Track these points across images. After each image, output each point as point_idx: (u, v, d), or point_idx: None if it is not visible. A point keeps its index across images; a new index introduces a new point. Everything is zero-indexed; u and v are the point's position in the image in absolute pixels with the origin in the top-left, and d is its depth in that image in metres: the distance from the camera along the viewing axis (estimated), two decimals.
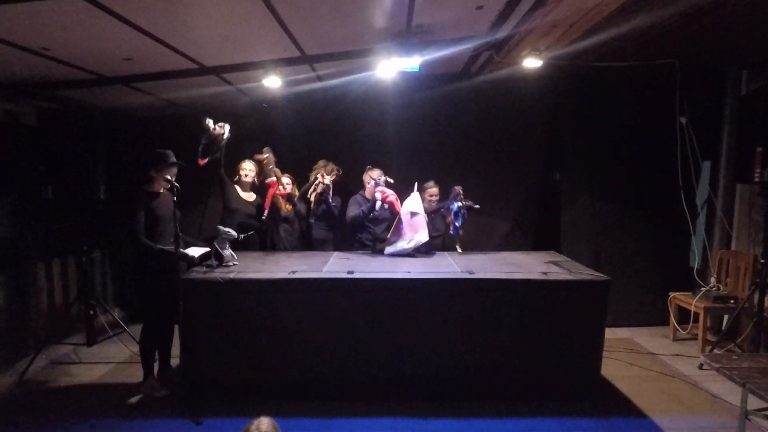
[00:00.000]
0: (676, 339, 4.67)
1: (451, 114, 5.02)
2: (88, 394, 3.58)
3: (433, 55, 3.64)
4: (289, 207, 4.47)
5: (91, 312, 4.40)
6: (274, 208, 4.38)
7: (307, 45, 3.55)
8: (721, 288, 4.44)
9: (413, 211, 3.99)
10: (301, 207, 4.52)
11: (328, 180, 4.33)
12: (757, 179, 4.01)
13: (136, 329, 4.36)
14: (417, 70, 3.61)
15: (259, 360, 3.37)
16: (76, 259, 4.57)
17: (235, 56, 3.71)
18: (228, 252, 3.64)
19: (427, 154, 4.98)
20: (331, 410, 3.25)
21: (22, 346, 4.14)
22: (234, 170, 4.32)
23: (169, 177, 3.39)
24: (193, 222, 4.95)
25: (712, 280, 4.51)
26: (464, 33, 3.57)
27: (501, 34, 3.55)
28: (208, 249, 3.57)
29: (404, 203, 4.06)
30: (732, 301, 4.27)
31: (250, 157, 4.37)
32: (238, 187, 4.31)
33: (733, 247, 4.69)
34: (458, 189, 4.17)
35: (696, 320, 4.45)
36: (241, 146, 4.43)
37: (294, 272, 3.43)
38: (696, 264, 4.82)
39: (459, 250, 4.22)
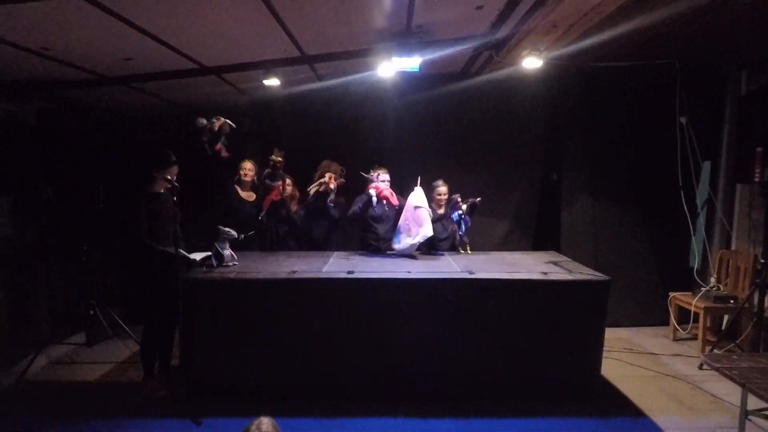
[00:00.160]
0: (676, 339, 4.67)
1: (451, 114, 5.02)
2: (88, 394, 3.58)
3: (433, 55, 3.64)
4: (292, 207, 4.47)
5: (91, 312, 4.40)
6: (275, 208, 4.38)
7: (307, 45, 3.55)
8: (721, 288, 4.45)
9: (417, 205, 3.99)
10: (296, 216, 4.50)
11: (333, 185, 4.29)
12: (757, 179, 4.01)
13: (136, 329, 4.38)
14: (417, 70, 3.61)
15: (259, 360, 3.37)
16: (76, 259, 4.57)
17: (235, 56, 3.71)
18: (228, 252, 3.64)
19: (427, 154, 4.97)
20: (331, 410, 3.25)
21: (22, 346, 4.14)
22: (234, 170, 4.32)
23: (169, 177, 3.39)
24: (193, 222, 4.95)
25: (712, 280, 4.51)
26: (464, 33, 3.57)
27: (501, 34, 3.55)
28: (209, 253, 3.57)
29: (408, 198, 4.07)
30: (732, 301, 4.27)
31: (250, 157, 4.37)
32: (238, 187, 4.31)
33: (733, 247, 4.69)
34: (456, 198, 4.20)
35: (696, 320, 4.45)
36: (241, 146, 4.43)
37: (294, 272, 3.43)
38: (696, 264, 4.82)
39: (468, 250, 4.28)
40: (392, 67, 3.62)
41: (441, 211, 4.36)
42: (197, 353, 3.37)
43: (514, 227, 5.19)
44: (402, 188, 4.38)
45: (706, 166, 4.88)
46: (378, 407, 3.27)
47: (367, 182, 4.24)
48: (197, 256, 3.48)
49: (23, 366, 3.89)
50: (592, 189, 5.02)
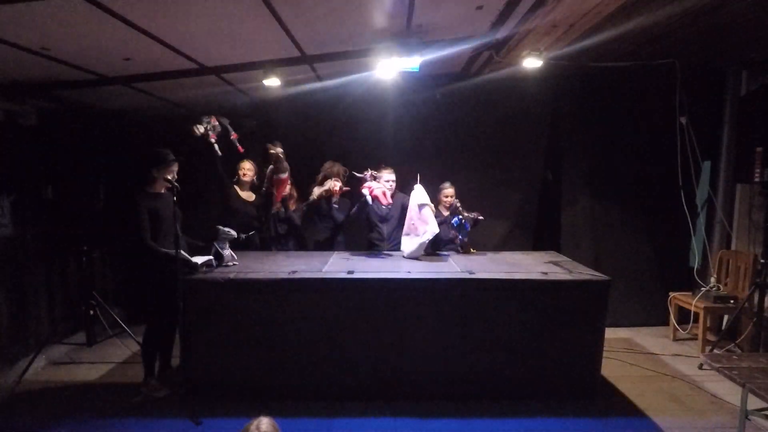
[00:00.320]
0: (676, 339, 4.67)
1: (451, 114, 5.02)
2: (88, 394, 3.59)
3: (433, 55, 3.64)
4: (293, 205, 4.48)
5: (91, 312, 4.40)
6: (273, 208, 4.39)
7: (307, 45, 3.54)
8: (721, 288, 4.45)
9: (420, 204, 3.99)
10: (295, 215, 4.50)
11: (337, 186, 4.29)
12: (757, 179, 4.01)
13: (136, 329, 4.39)
14: (417, 70, 3.60)
15: (259, 360, 3.37)
16: (76, 259, 4.57)
17: (235, 56, 3.71)
18: (228, 252, 3.64)
19: (427, 154, 4.98)
20: (331, 410, 3.25)
21: (22, 346, 4.14)
22: (233, 170, 4.32)
23: (169, 177, 3.39)
24: (193, 222, 4.95)
25: (712, 280, 4.51)
26: (464, 33, 3.57)
27: (501, 34, 3.54)
28: (211, 257, 3.56)
29: (411, 198, 4.07)
30: (732, 301, 4.27)
31: (249, 157, 4.37)
32: (237, 187, 4.31)
33: (733, 247, 4.69)
34: (456, 203, 4.22)
35: (696, 320, 4.45)
36: (242, 146, 4.42)
37: (294, 272, 3.43)
38: (696, 264, 4.82)
39: (472, 250, 4.31)
40: (392, 67, 3.62)
41: (447, 213, 4.37)
42: (197, 353, 3.37)
43: (514, 227, 5.19)
44: (402, 188, 4.37)
45: (706, 166, 4.88)
46: (378, 407, 3.28)
47: (360, 182, 4.25)
48: (199, 259, 3.47)
49: (23, 366, 3.89)
50: (592, 189, 5.02)
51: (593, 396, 3.40)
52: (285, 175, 4.29)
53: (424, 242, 3.96)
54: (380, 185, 4.13)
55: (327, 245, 4.50)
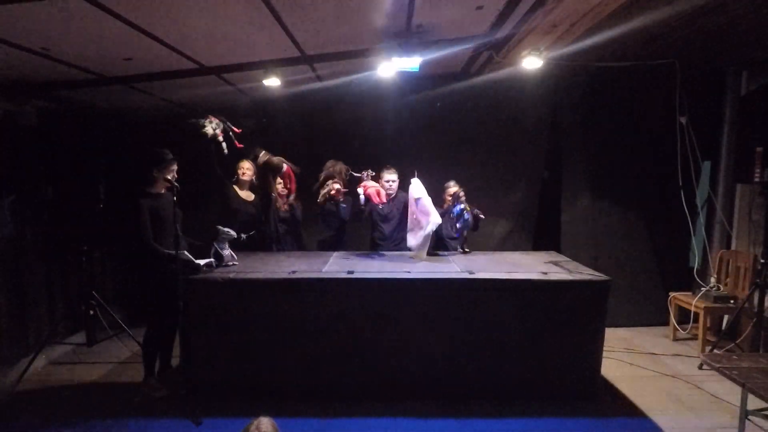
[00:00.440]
0: (676, 339, 4.67)
1: (451, 114, 5.02)
2: (88, 394, 3.59)
3: (433, 55, 3.64)
4: (286, 207, 4.48)
5: (91, 312, 4.40)
6: (273, 207, 4.40)
7: (307, 45, 3.54)
8: (721, 288, 4.45)
9: (417, 197, 3.99)
10: (298, 211, 4.51)
11: (338, 186, 4.29)
12: (757, 179, 4.01)
13: (137, 329, 4.38)
14: (417, 70, 3.60)
15: (259, 360, 3.37)
16: (76, 259, 4.57)
17: (235, 56, 3.71)
18: (228, 252, 3.64)
19: (427, 154, 4.98)
20: (331, 410, 3.25)
21: (22, 346, 4.14)
22: (232, 170, 4.31)
23: (169, 177, 3.40)
24: (193, 222, 4.95)
25: (712, 280, 4.51)
26: (464, 33, 3.57)
27: (501, 34, 3.54)
28: (213, 260, 3.56)
29: (409, 192, 4.08)
30: (732, 301, 4.27)
31: (248, 157, 4.37)
32: (236, 187, 4.31)
33: (733, 247, 4.69)
34: (460, 192, 4.16)
35: (696, 320, 4.45)
36: (242, 146, 4.42)
37: (294, 272, 3.43)
38: (696, 264, 4.82)
39: (466, 249, 4.24)
40: (392, 67, 3.62)
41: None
42: (197, 353, 3.37)
43: (514, 227, 5.19)
44: (403, 188, 4.38)
45: (706, 166, 4.88)
46: (378, 407, 3.28)
47: (359, 182, 4.26)
48: (201, 261, 3.47)
49: (23, 366, 3.89)
50: (592, 189, 5.02)
51: (593, 396, 3.40)
52: (285, 168, 4.30)
53: (428, 234, 3.93)
54: (374, 184, 4.16)
55: (333, 245, 4.50)
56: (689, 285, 4.80)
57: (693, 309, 4.40)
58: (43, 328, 4.37)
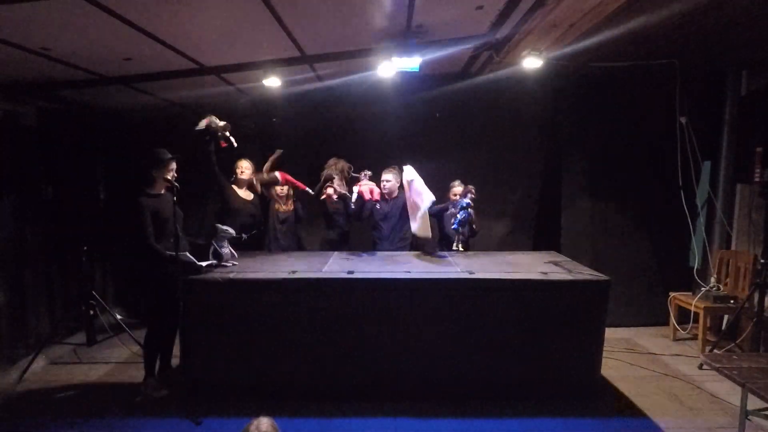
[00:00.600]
0: (676, 339, 4.67)
1: (451, 114, 5.02)
2: (88, 394, 3.59)
3: (433, 55, 3.64)
4: (285, 207, 4.48)
5: (91, 312, 4.40)
6: (272, 208, 4.40)
7: (307, 45, 3.55)
8: (721, 288, 4.45)
9: (410, 179, 4.04)
10: (299, 208, 4.53)
11: (331, 191, 4.31)
12: (757, 179, 4.01)
13: (137, 329, 4.39)
14: (417, 70, 3.61)
15: (259, 360, 3.37)
16: (76, 259, 4.58)
17: (235, 56, 3.71)
18: (227, 250, 3.64)
19: (427, 154, 4.96)
20: (331, 410, 3.25)
21: (22, 346, 4.14)
22: (231, 170, 4.31)
23: (168, 177, 3.39)
24: (193, 222, 4.95)
25: (712, 280, 4.51)
26: (464, 33, 3.57)
27: (501, 34, 3.55)
28: (215, 261, 3.56)
29: (402, 177, 4.16)
30: (732, 301, 4.27)
31: (246, 156, 4.37)
32: (235, 187, 4.31)
33: (733, 247, 4.69)
34: (470, 187, 4.15)
35: (696, 320, 4.45)
36: (242, 146, 4.42)
37: (294, 272, 3.43)
38: (696, 264, 4.82)
39: (460, 248, 4.10)
40: (392, 67, 3.62)
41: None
42: (197, 353, 3.37)
43: (514, 227, 5.19)
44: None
45: (706, 166, 4.87)
46: (378, 407, 3.28)
47: (357, 182, 4.32)
48: (204, 263, 3.47)
49: (23, 366, 3.89)
50: (592, 189, 5.02)
51: (593, 396, 3.40)
52: (280, 177, 4.36)
53: (424, 212, 3.95)
54: (368, 183, 4.21)
55: (337, 244, 4.52)
56: (689, 285, 4.80)
57: (693, 309, 4.40)
58: (43, 328, 4.37)
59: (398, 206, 4.38)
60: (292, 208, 4.53)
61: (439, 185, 4.59)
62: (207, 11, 2.77)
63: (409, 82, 4.63)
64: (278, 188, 4.44)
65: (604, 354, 3.49)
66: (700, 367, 3.98)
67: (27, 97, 4.17)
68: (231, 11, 2.80)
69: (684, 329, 4.62)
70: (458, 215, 4.07)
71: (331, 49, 3.74)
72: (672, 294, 4.71)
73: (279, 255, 4.19)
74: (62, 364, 4.13)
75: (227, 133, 3.88)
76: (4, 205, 4.02)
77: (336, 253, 4.26)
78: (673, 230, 4.91)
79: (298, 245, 4.68)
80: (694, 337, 4.53)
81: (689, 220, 4.71)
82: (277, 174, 4.38)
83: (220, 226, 3.61)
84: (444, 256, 4.14)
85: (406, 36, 3.44)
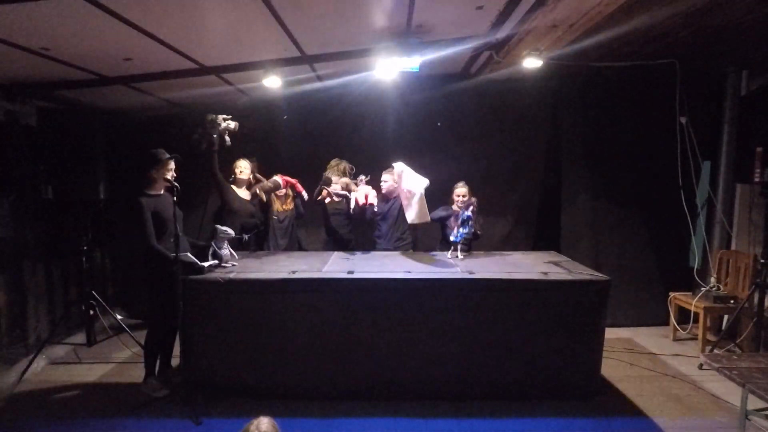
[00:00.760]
0: (676, 339, 4.67)
1: (451, 114, 5.02)
2: (88, 394, 3.59)
3: (433, 55, 3.64)
4: (285, 206, 4.48)
5: (91, 312, 4.40)
6: (271, 208, 4.41)
7: (307, 45, 3.55)
8: (721, 288, 4.45)
9: (399, 172, 4.12)
10: (299, 205, 4.54)
11: (330, 190, 4.33)
12: (757, 179, 4.00)
13: (137, 329, 4.39)
14: (417, 70, 3.61)
15: (259, 360, 3.37)
16: (76, 259, 4.57)
17: (235, 56, 3.71)
18: (226, 251, 3.63)
19: (427, 154, 4.95)
20: (331, 410, 3.25)
21: (22, 346, 4.14)
22: (229, 170, 4.31)
23: (168, 176, 3.39)
24: (194, 222, 4.95)
25: (712, 280, 4.51)
26: (464, 33, 3.57)
27: (501, 34, 3.54)
28: (216, 262, 3.56)
29: (394, 171, 4.22)
30: (732, 301, 4.27)
31: (245, 156, 4.37)
32: (234, 187, 4.31)
33: (733, 247, 4.69)
34: (473, 201, 4.14)
35: (696, 320, 4.45)
36: (242, 146, 4.43)
37: (294, 272, 3.43)
38: (696, 264, 4.82)
39: (459, 255, 4.05)
40: (392, 67, 3.62)
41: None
42: (197, 353, 3.37)
43: (514, 227, 5.19)
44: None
45: (706, 166, 4.87)
46: (378, 407, 3.28)
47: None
48: (206, 264, 3.47)
49: (23, 366, 3.89)
50: (592, 189, 5.02)
51: (593, 396, 3.40)
52: (282, 182, 4.38)
53: (420, 196, 3.96)
54: (364, 188, 4.30)
55: (345, 244, 4.53)
56: (689, 285, 4.80)
57: (693, 309, 4.40)
58: (43, 328, 4.37)
59: (397, 206, 4.40)
60: (291, 206, 4.54)
61: (438, 185, 4.59)
62: (207, 11, 2.77)
63: (409, 82, 4.63)
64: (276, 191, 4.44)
65: (604, 354, 3.49)
66: (700, 367, 3.98)
67: (27, 97, 4.17)
68: (231, 11, 2.80)
69: (684, 329, 4.62)
70: (460, 229, 4.05)
71: (331, 49, 3.74)
72: (672, 294, 4.71)
73: (279, 255, 4.19)
74: (62, 364, 4.13)
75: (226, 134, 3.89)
76: (4, 205, 4.02)
77: (336, 253, 4.26)
78: (673, 230, 4.91)
79: (298, 245, 4.68)
80: (694, 337, 4.53)
81: (689, 220, 4.71)
82: (278, 178, 4.38)
83: (219, 227, 3.61)
84: (444, 256, 4.14)
85: (406, 36, 3.44)
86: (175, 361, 3.65)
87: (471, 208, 4.03)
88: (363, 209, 4.36)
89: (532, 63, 3.90)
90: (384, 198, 4.43)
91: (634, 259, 5.01)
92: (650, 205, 4.98)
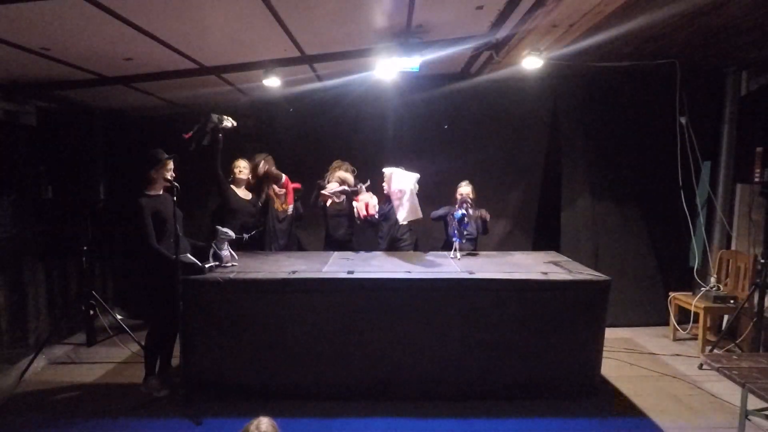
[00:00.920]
0: (676, 339, 4.67)
1: (451, 114, 5.02)
2: (88, 394, 3.58)
3: (433, 55, 3.64)
4: (284, 206, 4.48)
5: (91, 312, 4.40)
6: (271, 207, 4.41)
7: (307, 45, 3.55)
8: (721, 288, 4.45)
9: (390, 172, 4.16)
10: (299, 206, 4.54)
11: (327, 194, 4.32)
12: (757, 179, 4.01)
13: (137, 329, 4.39)
14: (417, 70, 3.61)
15: (259, 360, 3.37)
16: (76, 259, 4.57)
17: (235, 56, 3.71)
18: (227, 252, 3.63)
19: (427, 155, 4.97)
20: (331, 410, 3.25)
21: (22, 346, 4.14)
22: (228, 170, 4.31)
23: (168, 176, 3.39)
24: (194, 222, 4.95)
25: (712, 280, 4.51)
26: (464, 33, 3.57)
27: (501, 34, 3.54)
28: (216, 263, 3.56)
29: (385, 174, 4.26)
30: (732, 301, 4.27)
31: (244, 156, 4.37)
32: (234, 187, 4.31)
33: (733, 247, 4.69)
34: (467, 197, 4.16)
35: (696, 320, 4.45)
36: (242, 146, 4.43)
37: (294, 272, 3.43)
38: (696, 264, 4.82)
39: (458, 256, 4.04)
40: (392, 67, 3.62)
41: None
42: (197, 353, 3.37)
43: (514, 227, 5.19)
44: None
45: (706, 166, 4.88)
46: (378, 407, 3.28)
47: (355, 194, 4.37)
48: (207, 265, 3.46)
49: (23, 366, 3.89)
50: (592, 189, 5.02)
51: (593, 396, 3.40)
52: (284, 178, 4.33)
53: (411, 192, 3.98)
54: (364, 196, 4.27)
55: (345, 244, 4.53)
56: (689, 285, 4.80)
57: (693, 309, 4.40)
58: (43, 328, 4.37)
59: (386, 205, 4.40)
60: (291, 206, 4.53)
61: (438, 185, 4.60)
62: (207, 11, 2.77)
63: (409, 82, 4.64)
64: (276, 188, 4.43)
65: (604, 354, 3.49)
66: (700, 367, 3.98)
67: (27, 97, 4.17)
68: (231, 11, 2.80)
69: (684, 329, 4.62)
70: (455, 227, 4.10)
71: (331, 49, 3.74)
72: (672, 294, 4.71)
73: (279, 255, 4.19)
74: (62, 364, 4.13)
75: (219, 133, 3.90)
76: (4, 205, 4.02)
77: (336, 253, 4.26)
78: (673, 230, 4.91)
79: (298, 245, 4.67)
80: (694, 337, 4.53)
81: (689, 220, 4.71)
82: (284, 175, 4.38)
83: (219, 228, 3.61)
84: (444, 256, 4.14)
85: (406, 36, 3.44)
86: (175, 361, 3.65)
87: (465, 205, 4.04)
88: (366, 220, 4.34)
89: (532, 63, 3.90)
90: (385, 198, 4.42)
91: (634, 259, 5.01)
92: (650, 205, 4.98)
